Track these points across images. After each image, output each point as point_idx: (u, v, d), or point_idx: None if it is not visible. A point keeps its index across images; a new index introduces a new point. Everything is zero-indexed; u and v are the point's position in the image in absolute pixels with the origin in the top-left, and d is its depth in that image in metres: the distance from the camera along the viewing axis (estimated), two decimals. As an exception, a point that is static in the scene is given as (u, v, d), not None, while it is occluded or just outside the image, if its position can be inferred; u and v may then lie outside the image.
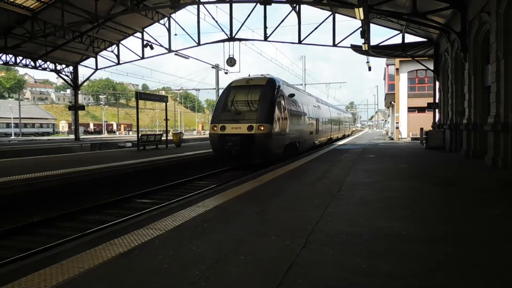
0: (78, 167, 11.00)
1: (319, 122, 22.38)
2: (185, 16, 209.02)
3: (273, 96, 14.24)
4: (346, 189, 7.16)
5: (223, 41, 23.35)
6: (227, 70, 30.80)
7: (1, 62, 25.54)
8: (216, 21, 23.61)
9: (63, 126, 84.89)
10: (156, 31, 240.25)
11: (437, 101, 21.46)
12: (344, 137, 36.98)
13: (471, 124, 13.48)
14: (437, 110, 21.35)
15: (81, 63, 30.21)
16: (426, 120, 24.51)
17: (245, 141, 13.25)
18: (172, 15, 25.10)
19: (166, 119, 23.67)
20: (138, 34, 26.91)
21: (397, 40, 20.05)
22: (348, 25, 64.01)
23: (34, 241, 6.48)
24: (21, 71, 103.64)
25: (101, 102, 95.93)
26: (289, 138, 15.47)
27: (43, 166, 11.55)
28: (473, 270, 3.28)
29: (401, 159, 13.64)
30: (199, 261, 3.44)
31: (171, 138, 24.02)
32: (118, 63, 28.64)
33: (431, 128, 21.26)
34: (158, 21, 25.17)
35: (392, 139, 32.78)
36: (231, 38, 22.96)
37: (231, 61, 24.19)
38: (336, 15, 20.85)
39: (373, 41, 18.92)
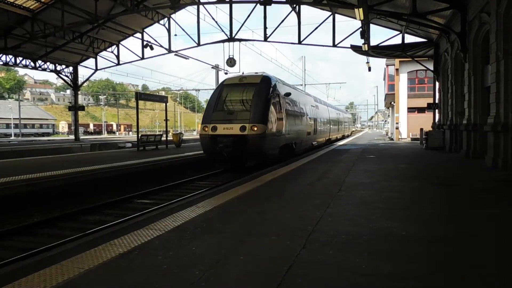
0: (79, 168, 11.01)
1: (317, 122, 21.90)
2: (185, 16, 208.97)
3: (268, 95, 13.68)
4: (346, 190, 7.16)
5: (223, 41, 23.35)
6: (227, 70, 30.73)
7: (1, 63, 25.54)
8: (216, 22, 23.64)
9: (63, 126, 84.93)
10: (156, 31, 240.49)
11: (437, 101, 21.47)
12: (343, 137, 36.89)
13: (471, 124, 13.48)
14: (437, 110, 21.36)
15: (81, 64, 30.23)
16: (426, 121, 24.51)
17: (238, 142, 12.63)
18: (172, 16, 25.12)
19: (166, 120, 23.68)
20: (138, 35, 26.92)
21: (397, 40, 20.09)
22: (348, 25, 63.97)
23: (35, 241, 6.48)
24: (21, 71, 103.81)
25: (101, 103, 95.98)
26: (285, 139, 14.93)
27: (45, 166, 11.55)
28: (473, 270, 3.28)
29: (401, 160, 13.64)
30: (199, 261, 3.44)
31: (171, 138, 24.03)
32: (118, 64, 28.65)
33: (431, 129, 21.27)
34: (158, 22, 25.17)
35: (392, 139, 32.80)
36: (231, 39, 22.96)
37: (231, 62, 24.18)
38: (336, 15, 20.85)
39: (373, 42, 18.93)
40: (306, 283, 2.97)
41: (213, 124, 13.28)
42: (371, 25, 17.92)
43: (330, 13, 20.88)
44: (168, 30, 25.25)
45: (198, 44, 24.09)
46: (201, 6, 22.80)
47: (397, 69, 30.40)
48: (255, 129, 12.70)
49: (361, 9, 12.97)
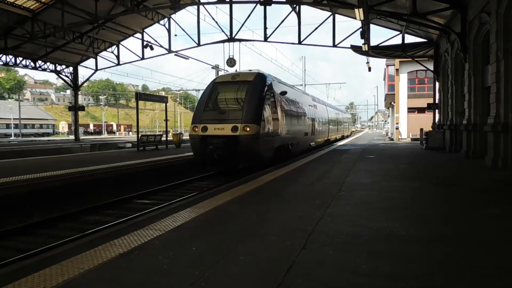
0: (79, 168, 11.02)
1: (315, 122, 21.31)
2: (185, 16, 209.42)
3: (262, 93, 12.97)
4: (346, 190, 7.16)
5: (223, 41, 23.36)
6: (227, 70, 30.76)
7: (1, 63, 25.55)
8: (216, 22, 23.67)
9: (63, 126, 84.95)
10: (156, 31, 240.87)
11: (437, 101, 21.48)
12: (343, 138, 36.77)
13: (471, 124, 13.48)
14: (437, 110, 21.37)
15: (81, 64, 30.25)
16: (426, 121, 24.52)
17: (229, 144, 11.99)
18: (172, 16, 25.12)
19: (166, 120, 23.68)
20: (138, 35, 26.92)
21: (397, 40, 20.10)
22: (348, 25, 64.07)
23: (35, 242, 6.48)
24: (21, 71, 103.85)
25: (101, 103, 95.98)
26: (280, 140, 14.23)
27: (45, 166, 11.56)
28: (473, 270, 3.28)
29: (401, 160, 13.64)
30: (199, 261, 3.44)
31: (171, 138, 24.04)
32: (118, 64, 28.65)
33: (431, 129, 21.28)
34: (158, 22, 25.18)
35: (392, 139, 32.81)
36: (231, 39, 22.97)
37: (231, 62, 24.17)
38: (336, 15, 20.86)
39: (373, 42, 18.96)
40: (306, 283, 2.97)
41: (203, 124, 12.67)
42: (371, 25, 17.94)
43: (330, 13, 20.89)
44: (168, 30, 25.26)
45: (198, 44, 24.10)
46: (201, 6, 22.82)
47: (397, 69, 30.41)
48: (248, 129, 12.06)
49: (361, 9, 12.99)
